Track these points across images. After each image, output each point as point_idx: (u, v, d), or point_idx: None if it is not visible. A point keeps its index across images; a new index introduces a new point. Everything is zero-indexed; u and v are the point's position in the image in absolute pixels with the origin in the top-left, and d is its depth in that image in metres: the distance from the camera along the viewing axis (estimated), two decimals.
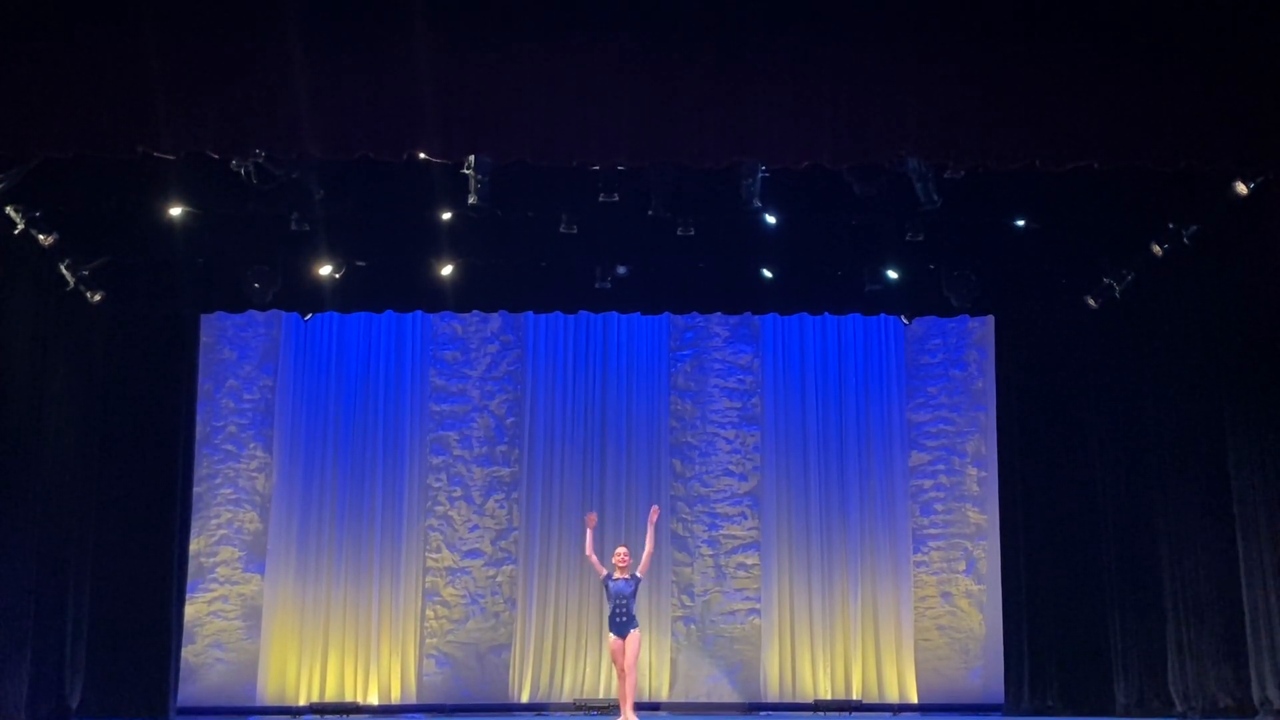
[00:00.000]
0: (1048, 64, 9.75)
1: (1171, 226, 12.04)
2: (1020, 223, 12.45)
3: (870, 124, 9.81)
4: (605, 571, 11.01)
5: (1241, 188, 10.71)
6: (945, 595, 15.92)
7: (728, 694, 15.63)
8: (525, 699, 15.33)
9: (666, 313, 15.41)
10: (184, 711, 14.15)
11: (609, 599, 10.97)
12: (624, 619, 10.81)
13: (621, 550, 10.97)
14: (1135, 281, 13.15)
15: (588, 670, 15.42)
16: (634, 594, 10.93)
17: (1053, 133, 9.79)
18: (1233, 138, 9.82)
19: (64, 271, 12.47)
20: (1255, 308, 11.01)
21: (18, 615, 11.48)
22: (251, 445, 15.89)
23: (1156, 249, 12.37)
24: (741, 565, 15.99)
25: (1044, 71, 9.76)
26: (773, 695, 15.51)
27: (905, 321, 15.62)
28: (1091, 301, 13.92)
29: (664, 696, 15.32)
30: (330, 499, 15.69)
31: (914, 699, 15.50)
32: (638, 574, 11.01)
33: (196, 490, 15.06)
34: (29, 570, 11.67)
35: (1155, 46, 9.76)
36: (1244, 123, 9.77)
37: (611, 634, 10.92)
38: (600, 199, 11.16)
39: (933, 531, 15.95)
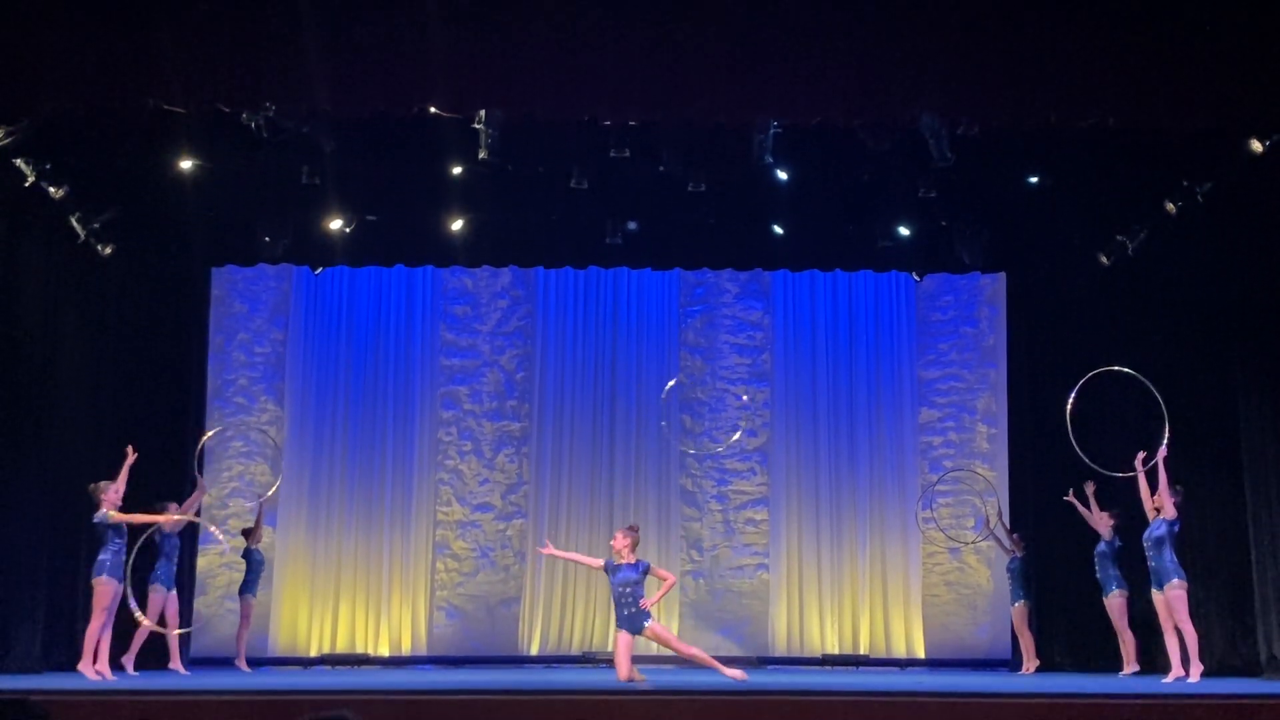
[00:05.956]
0: (1063, 21, 9.66)
1: (1186, 184, 11.96)
2: (1033, 180, 12.38)
3: (884, 80, 9.75)
4: (603, 560, 9.69)
5: (1257, 145, 10.64)
6: (953, 551, 15.94)
7: (735, 648, 15.68)
8: (534, 651, 15.40)
9: (677, 268, 15.41)
10: (196, 662, 14.21)
11: (613, 590, 9.49)
12: (632, 610, 9.39)
13: (618, 534, 9.70)
14: (1148, 239, 13.07)
15: (596, 623, 15.48)
16: (641, 580, 9.38)
17: (1067, 90, 9.72)
18: (1248, 95, 9.74)
19: (75, 224, 12.45)
20: (1269, 266, 10.97)
21: (32, 567, 11.59)
22: (262, 398, 15.93)
23: (1170, 207, 12.27)
24: (750, 521, 16.03)
25: (1059, 28, 9.68)
26: (780, 650, 15.57)
27: (916, 278, 15.57)
28: (1104, 259, 13.84)
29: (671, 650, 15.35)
30: (341, 452, 15.74)
31: (921, 654, 15.56)
32: (646, 562, 9.65)
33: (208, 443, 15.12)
34: (42, 524, 11.76)
35: (1171, 3, 9.66)
36: (1260, 80, 9.69)
37: (622, 630, 9.37)
38: (611, 154, 11.11)
39: (941, 488, 15.94)
